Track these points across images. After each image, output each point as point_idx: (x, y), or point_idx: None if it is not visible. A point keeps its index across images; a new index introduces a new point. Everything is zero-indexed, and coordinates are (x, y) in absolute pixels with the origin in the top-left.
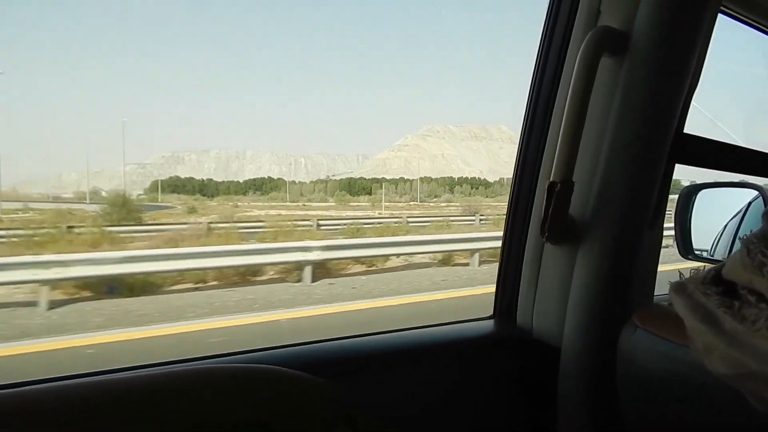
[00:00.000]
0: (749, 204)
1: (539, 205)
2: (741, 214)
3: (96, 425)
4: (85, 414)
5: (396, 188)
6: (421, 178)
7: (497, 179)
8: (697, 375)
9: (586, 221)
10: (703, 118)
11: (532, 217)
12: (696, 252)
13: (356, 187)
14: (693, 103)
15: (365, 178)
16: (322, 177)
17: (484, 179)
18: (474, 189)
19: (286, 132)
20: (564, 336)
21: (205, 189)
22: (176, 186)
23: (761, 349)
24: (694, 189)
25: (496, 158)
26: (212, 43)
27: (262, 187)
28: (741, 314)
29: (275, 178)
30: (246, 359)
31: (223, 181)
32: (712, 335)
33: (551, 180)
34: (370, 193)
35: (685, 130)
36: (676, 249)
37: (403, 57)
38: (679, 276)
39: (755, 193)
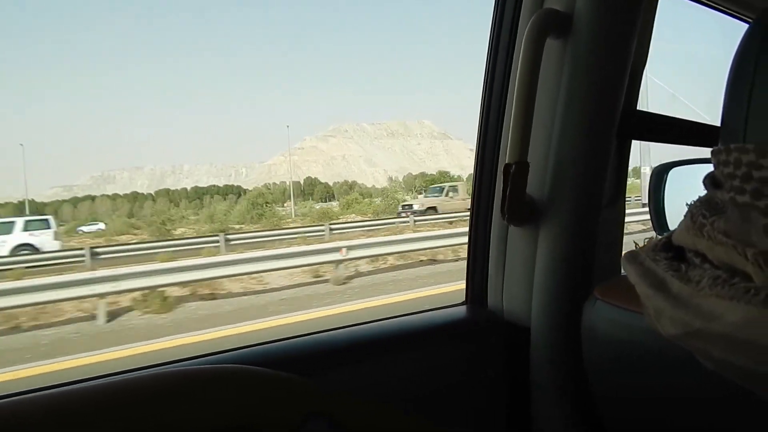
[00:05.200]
0: None
1: (500, 188)
2: None
3: None
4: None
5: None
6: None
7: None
8: (653, 340)
9: (544, 201)
10: (667, 94)
11: (495, 201)
12: (670, 230)
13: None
14: (654, 79)
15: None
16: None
17: (239, 186)
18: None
19: (227, 143)
20: (531, 316)
21: None
22: None
23: (704, 308)
24: (665, 168)
25: (411, 156)
26: (148, 58)
27: None
28: (687, 276)
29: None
30: (210, 361)
31: None
32: (661, 299)
33: (506, 162)
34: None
35: (650, 107)
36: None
37: (338, 55)
38: (634, 246)
39: None
